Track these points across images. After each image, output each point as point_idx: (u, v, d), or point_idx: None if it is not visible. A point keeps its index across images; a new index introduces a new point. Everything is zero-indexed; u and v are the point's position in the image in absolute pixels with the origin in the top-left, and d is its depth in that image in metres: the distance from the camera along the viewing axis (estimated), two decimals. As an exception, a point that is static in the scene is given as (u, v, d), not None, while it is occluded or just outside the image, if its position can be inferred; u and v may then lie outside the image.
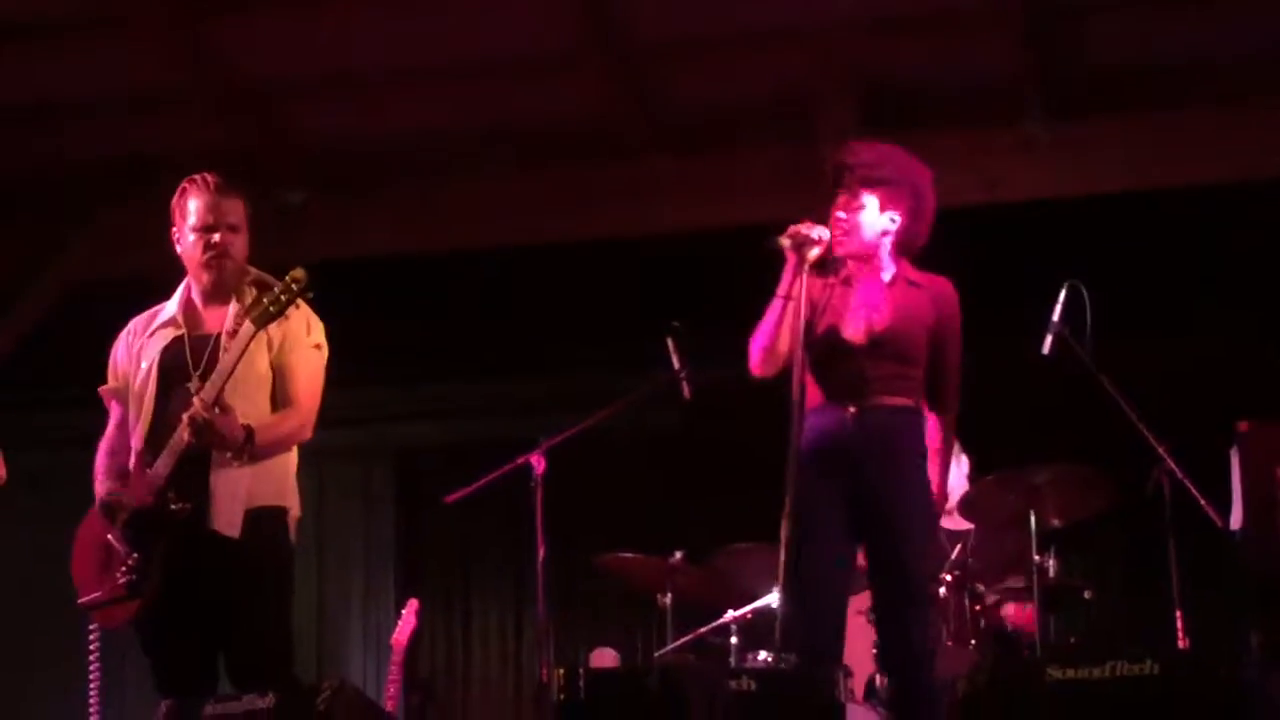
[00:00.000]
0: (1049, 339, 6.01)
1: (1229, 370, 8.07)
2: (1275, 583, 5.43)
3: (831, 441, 5.04)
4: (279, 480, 5.08)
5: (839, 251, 5.18)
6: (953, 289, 5.26)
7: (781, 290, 5.11)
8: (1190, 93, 7.86)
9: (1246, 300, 8.34)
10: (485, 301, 9.35)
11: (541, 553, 6.38)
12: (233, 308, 5.04)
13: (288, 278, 4.86)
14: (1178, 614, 6.25)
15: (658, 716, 4.52)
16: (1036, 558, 6.18)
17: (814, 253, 5.06)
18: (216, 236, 5.03)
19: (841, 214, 5.18)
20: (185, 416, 4.80)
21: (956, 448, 6.96)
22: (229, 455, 4.89)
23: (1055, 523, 6.36)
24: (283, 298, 4.83)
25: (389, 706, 7.19)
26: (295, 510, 5.13)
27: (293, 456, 5.14)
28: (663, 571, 7.03)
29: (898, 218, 5.19)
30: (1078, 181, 8.08)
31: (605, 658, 7.71)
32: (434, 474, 9.51)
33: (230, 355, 4.83)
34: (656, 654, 7.10)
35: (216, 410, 4.81)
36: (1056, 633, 6.53)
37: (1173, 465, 6.02)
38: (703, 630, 6.95)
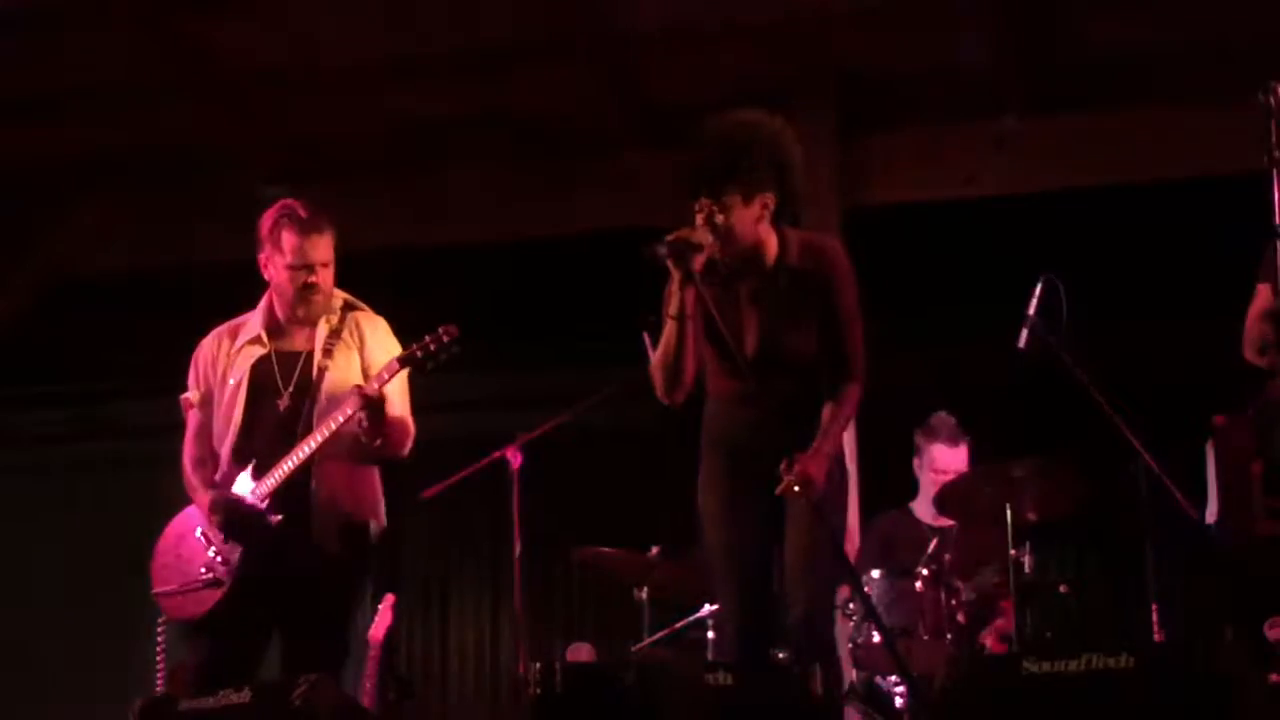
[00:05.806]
0: (1025, 333, 5.99)
1: (1205, 364, 8.07)
2: (1250, 576, 5.44)
3: (742, 441, 5.02)
4: (371, 495, 5.41)
5: (722, 256, 4.86)
6: (836, 246, 5.04)
7: (671, 310, 4.83)
8: (1164, 87, 7.88)
9: (1222, 294, 8.34)
10: (462, 295, 9.32)
11: (518, 547, 6.38)
12: (322, 328, 5.32)
13: (441, 331, 5.13)
14: (1153, 607, 6.26)
15: (634, 711, 4.51)
16: (1013, 552, 6.19)
17: (698, 261, 4.75)
18: (311, 276, 5.28)
19: (719, 219, 4.81)
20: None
21: (957, 433, 6.99)
22: (365, 440, 5.20)
23: (1031, 517, 6.37)
24: (433, 347, 5.12)
25: (366, 702, 7.16)
26: (381, 522, 5.44)
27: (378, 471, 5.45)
28: (640, 566, 7.03)
29: (770, 200, 4.90)
30: (1054, 175, 8.09)
31: (582, 652, 7.71)
32: (411, 469, 9.48)
33: (380, 379, 5.15)
34: (633, 648, 7.10)
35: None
36: (1033, 626, 6.53)
37: (1148, 459, 6.02)
38: (680, 625, 6.95)
